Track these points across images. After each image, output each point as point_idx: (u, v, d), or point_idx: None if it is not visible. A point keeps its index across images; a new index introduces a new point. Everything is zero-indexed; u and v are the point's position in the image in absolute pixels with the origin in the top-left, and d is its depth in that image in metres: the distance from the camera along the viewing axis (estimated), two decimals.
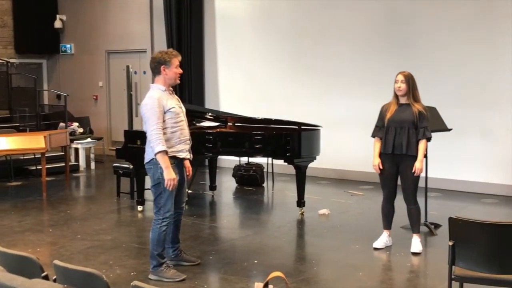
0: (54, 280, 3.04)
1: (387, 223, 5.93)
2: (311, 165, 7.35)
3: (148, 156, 4.95)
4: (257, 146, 7.13)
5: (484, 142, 8.50)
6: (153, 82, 5.08)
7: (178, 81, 5.08)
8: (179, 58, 5.03)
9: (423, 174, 6.43)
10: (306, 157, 7.15)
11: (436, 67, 8.76)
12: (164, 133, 4.84)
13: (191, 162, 5.22)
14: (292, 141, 6.98)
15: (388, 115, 5.68)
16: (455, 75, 8.64)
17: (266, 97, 10.50)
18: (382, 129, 5.74)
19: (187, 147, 5.07)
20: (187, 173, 5.18)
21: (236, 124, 8.06)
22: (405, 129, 5.59)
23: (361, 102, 9.27)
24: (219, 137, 7.41)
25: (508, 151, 8.32)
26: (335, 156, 9.34)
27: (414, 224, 5.83)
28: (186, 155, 5.06)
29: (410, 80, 5.62)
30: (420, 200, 6.48)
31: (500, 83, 8.34)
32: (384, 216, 5.93)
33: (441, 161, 8.26)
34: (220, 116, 8.21)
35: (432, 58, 8.80)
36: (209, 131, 7.66)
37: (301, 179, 7.21)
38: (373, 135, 5.85)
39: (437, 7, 8.79)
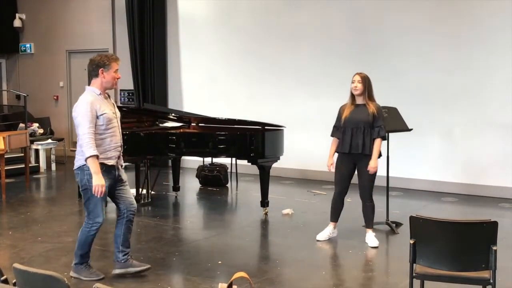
0: (14, 284, 2.99)
1: (335, 216, 6.15)
2: (274, 165, 7.38)
3: (77, 162, 4.86)
4: (221, 146, 7.13)
5: (444, 142, 8.66)
6: (89, 85, 4.93)
7: (115, 86, 5.01)
8: (119, 62, 4.92)
9: (384, 174, 6.54)
10: (270, 157, 7.18)
11: (397, 68, 8.88)
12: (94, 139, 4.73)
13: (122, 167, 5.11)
14: (256, 141, 7.00)
15: (344, 116, 5.89)
16: (416, 75, 8.77)
17: (229, 98, 10.50)
18: (340, 129, 5.95)
19: (117, 153, 4.93)
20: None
21: (199, 124, 8.03)
22: (361, 129, 5.81)
23: (324, 102, 9.34)
24: (182, 137, 7.37)
25: (467, 151, 8.49)
26: (298, 156, 9.40)
27: (369, 220, 6.05)
28: (115, 162, 4.91)
29: (366, 81, 5.86)
30: (382, 199, 6.58)
31: (459, 83, 8.49)
32: (333, 209, 6.14)
33: (402, 160, 8.39)
34: (183, 117, 8.16)
35: (393, 58, 8.92)
36: (172, 131, 7.61)
37: (264, 179, 7.23)
38: (332, 135, 6.08)
39: (399, 9, 8.91)
